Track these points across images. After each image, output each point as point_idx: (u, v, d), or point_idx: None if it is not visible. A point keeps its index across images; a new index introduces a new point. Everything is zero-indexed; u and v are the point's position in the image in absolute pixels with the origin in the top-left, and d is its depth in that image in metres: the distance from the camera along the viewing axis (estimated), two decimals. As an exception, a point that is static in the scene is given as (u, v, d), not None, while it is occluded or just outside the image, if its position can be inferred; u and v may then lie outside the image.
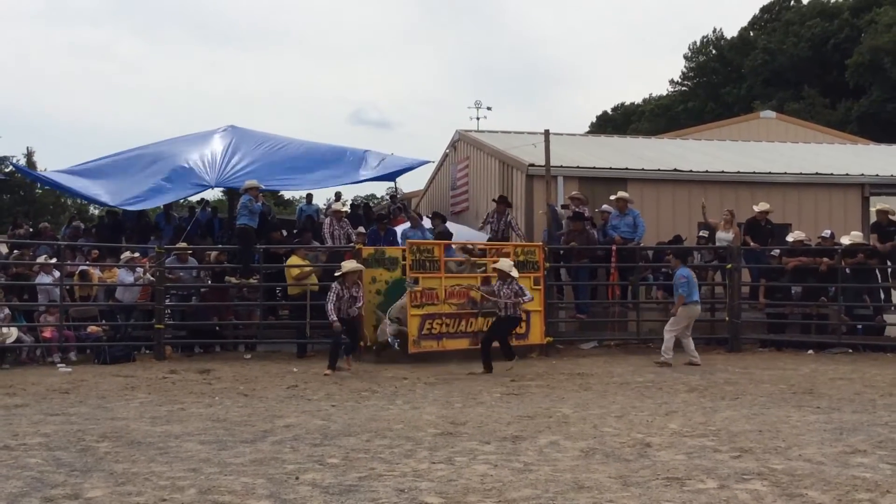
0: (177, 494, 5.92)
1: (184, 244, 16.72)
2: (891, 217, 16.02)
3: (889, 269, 16.29)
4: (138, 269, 15.78)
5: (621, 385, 11.70)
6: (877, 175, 19.38)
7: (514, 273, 13.27)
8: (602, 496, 5.84)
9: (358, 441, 7.79)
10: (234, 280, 16.13)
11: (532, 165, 17.85)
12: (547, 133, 17.26)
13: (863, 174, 19.37)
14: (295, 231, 19.17)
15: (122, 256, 16.20)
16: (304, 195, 23.11)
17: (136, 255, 16.15)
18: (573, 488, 6.06)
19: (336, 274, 13.61)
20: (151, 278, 15.42)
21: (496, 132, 23.19)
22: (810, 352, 15.67)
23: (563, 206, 17.12)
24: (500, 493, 5.93)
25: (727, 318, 16.14)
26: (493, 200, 17.66)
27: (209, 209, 22.42)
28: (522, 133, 21.38)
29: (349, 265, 13.71)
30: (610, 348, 16.29)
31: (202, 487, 6.11)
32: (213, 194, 24.33)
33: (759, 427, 8.49)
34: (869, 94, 47.78)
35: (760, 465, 6.75)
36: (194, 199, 23.04)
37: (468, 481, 6.27)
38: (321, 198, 28.57)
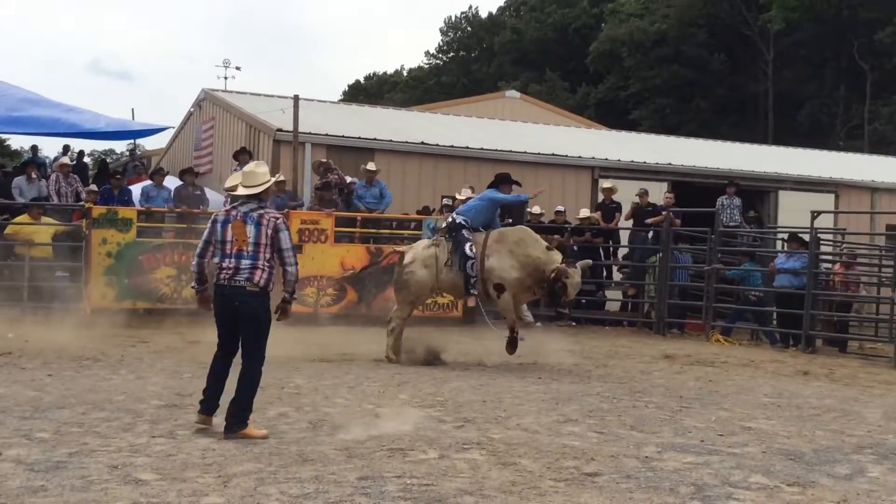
0: None
1: None
2: (613, 196, 17.49)
3: (611, 248, 17.67)
4: None
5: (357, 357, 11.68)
6: (606, 159, 20.70)
7: None
8: (325, 468, 5.84)
9: (73, 414, 7.33)
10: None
11: (280, 130, 17.48)
12: (296, 98, 16.96)
13: (594, 157, 20.61)
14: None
15: None
16: (30, 146, 21.37)
17: None
18: (297, 461, 6.01)
19: None
20: None
21: (245, 94, 22.41)
22: (538, 324, 16.53)
23: (327, 170, 16.47)
24: (220, 468, 5.78)
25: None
26: (234, 157, 16.73)
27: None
28: (272, 97, 20.82)
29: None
30: (349, 318, 16.32)
31: None
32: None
33: (483, 397, 8.83)
34: (606, 81, 50.99)
35: (481, 435, 7.02)
36: None
37: (188, 456, 6.07)
38: (51, 150, 26.40)
